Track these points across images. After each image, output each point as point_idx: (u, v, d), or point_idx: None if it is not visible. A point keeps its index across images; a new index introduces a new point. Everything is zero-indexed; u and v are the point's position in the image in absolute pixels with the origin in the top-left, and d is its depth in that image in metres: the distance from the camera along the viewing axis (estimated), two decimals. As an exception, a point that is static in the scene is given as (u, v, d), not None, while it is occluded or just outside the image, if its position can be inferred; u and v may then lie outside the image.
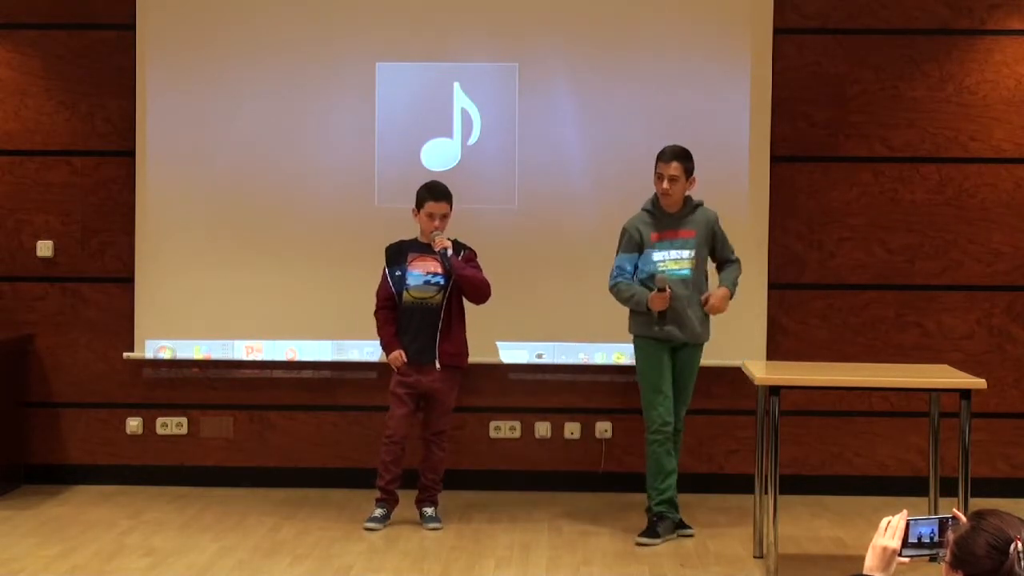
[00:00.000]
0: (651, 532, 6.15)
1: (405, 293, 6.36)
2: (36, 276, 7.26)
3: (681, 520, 6.27)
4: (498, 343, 7.10)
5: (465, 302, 6.44)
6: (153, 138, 7.12)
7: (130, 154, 7.16)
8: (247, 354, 7.17)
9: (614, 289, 6.21)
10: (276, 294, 7.11)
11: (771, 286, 7.11)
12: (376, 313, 6.47)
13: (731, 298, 6.28)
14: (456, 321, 6.41)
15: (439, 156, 7.13)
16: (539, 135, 7.10)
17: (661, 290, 6.06)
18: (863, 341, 7.16)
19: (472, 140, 7.13)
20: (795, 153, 7.14)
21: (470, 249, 6.45)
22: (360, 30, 7.12)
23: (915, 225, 7.16)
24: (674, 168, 6.13)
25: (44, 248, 7.23)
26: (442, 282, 6.34)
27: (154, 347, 7.17)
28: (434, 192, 6.40)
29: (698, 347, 6.27)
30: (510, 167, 7.11)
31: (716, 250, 6.31)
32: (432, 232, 6.34)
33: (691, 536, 6.20)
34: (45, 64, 7.22)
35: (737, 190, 7.03)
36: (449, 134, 7.13)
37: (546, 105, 7.10)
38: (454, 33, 7.12)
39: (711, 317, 6.28)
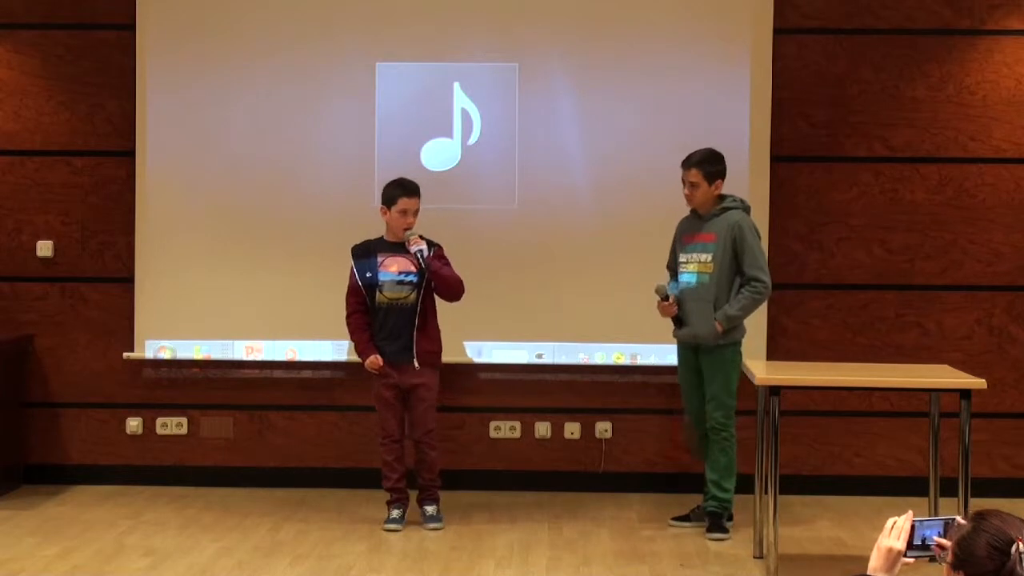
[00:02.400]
0: (683, 516, 6.44)
1: (378, 294, 6.32)
2: (36, 276, 7.25)
3: (703, 511, 6.36)
4: (512, 344, 7.10)
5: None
6: (153, 138, 7.12)
7: (130, 154, 7.16)
8: (247, 354, 7.17)
9: None
10: (276, 294, 7.11)
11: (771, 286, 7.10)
12: (348, 319, 6.41)
13: (723, 333, 6.14)
14: (431, 318, 6.39)
15: (439, 156, 7.13)
16: (539, 135, 7.10)
17: (662, 299, 6.21)
18: (863, 341, 7.16)
19: (472, 140, 7.13)
20: (795, 153, 7.14)
21: (438, 245, 6.41)
22: (360, 30, 7.12)
23: (915, 225, 7.16)
24: (693, 175, 6.21)
25: (44, 248, 7.23)
26: (415, 280, 6.31)
27: (154, 347, 7.17)
28: (407, 188, 6.35)
29: (714, 350, 6.20)
30: (510, 167, 7.11)
31: (738, 262, 6.18)
32: (405, 232, 6.31)
33: (721, 540, 6.16)
34: (45, 64, 7.22)
35: (737, 190, 7.00)
36: (449, 134, 7.13)
37: (546, 105, 7.10)
38: (454, 33, 7.12)
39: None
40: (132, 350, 7.19)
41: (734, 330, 6.21)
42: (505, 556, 5.87)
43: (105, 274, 7.25)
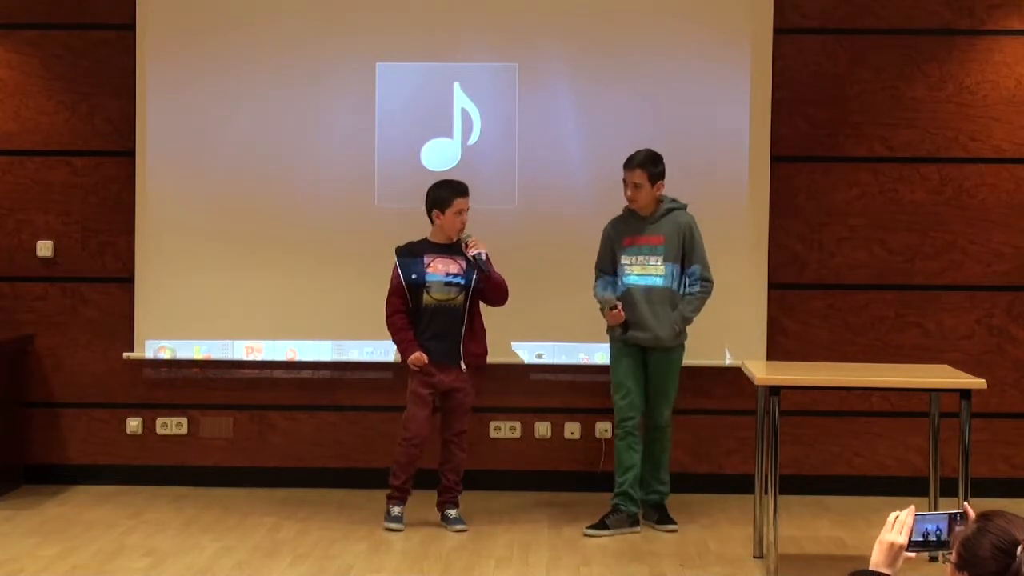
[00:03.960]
0: (600, 524, 6.27)
1: (426, 295, 6.29)
2: (36, 276, 7.25)
3: (637, 516, 6.34)
4: (514, 344, 7.11)
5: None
6: (153, 138, 7.12)
7: (130, 154, 7.16)
8: (247, 354, 7.16)
9: (595, 295, 6.43)
10: (276, 294, 7.11)
11: (771, 286, 7.10)
12: (391, 318, 6.34)
13: (678, 335, 6.26)
14: (478, 319, 6.39)
15: (439, 156, 7.12)
16: (539, 135, 7.10)
17: (611, 308, 6.24)
18: (863, 341, 7.16)
19: (472, 140, 7.13)
20: (795, 153, 7.14)
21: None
22: (360, 30, 7.12)
23: (915, 225, 7.16)
24: (638, 176, 6.24)
25: (44, 248, 7.23)
26: (463, 282, 6.30)
27: (154, 347, 7.17)
28: (460, 188, 6.34)
29: (668, 351, 6.28)
30: (510, 167, 7.11)
31: (685, 262, 6.26)
32: (463, 234, 6.29)
33: (674, 531, 6.26)
34: (45, 64, 7.22)
35: (737, 190, 7.03)
36: (449, 134, 7.13)
37: (546, 105, 7.10)
38: (454, 33, 7.12)
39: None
40: (132, 350, 7.18)
41: (684, 330, 6.32)
42: (505, 556, 5.87)
43: (105, 274, 7.24)
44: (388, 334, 6.43)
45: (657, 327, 6.22)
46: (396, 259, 6.36)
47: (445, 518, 6.35)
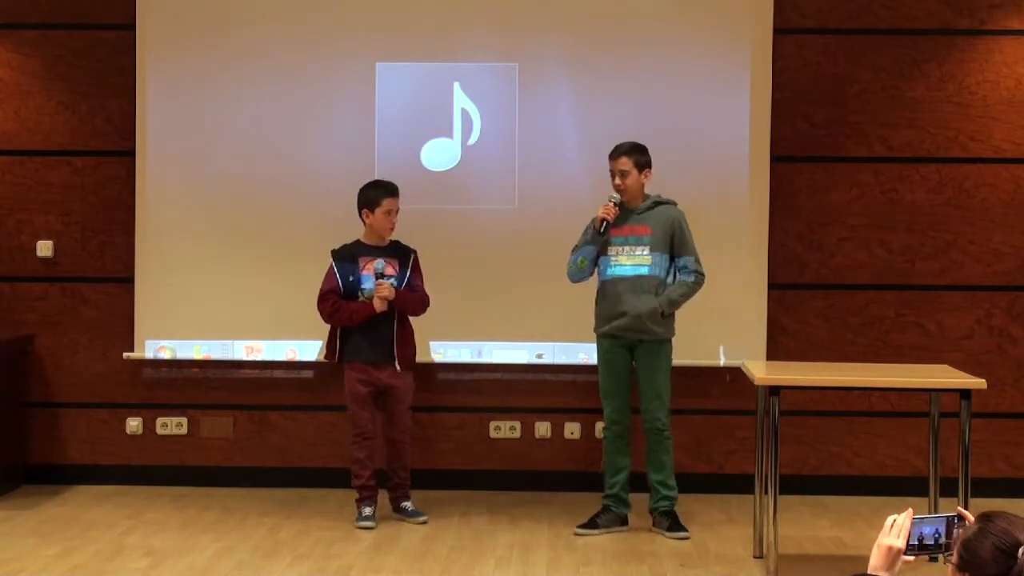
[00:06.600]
0: (590, 523, 6.32)
1: (361, 296, 6.36)
2: (36, 276, 7.25)
3: (626, 516, 6.36)
4: (513, 344, 7.11)
5: None
6: (153, 138, 7.12)
7: (130, 154, 7.16)
8: (247, 354, 7.17)
9: (568, 266, 6.36)
10: (276, 294, 7.11)
11: (771, 286, 7.11)
12: (334, 304, 6.31)
13: (664, 317, 6.21)
14: (407, 321, 6.45)
15: (439, 156, 7.12)
16: (539, 135, 7.10)
17: (616, 204, 6.21)
18: (863, 341, 7.16)
19: (472, 140, 7.13)
20: (795, 153, 7.14)
21: (413, 251, 6.48)
22: (360, 30, 7.12)
23: (915, 225, 7.16)
24: (623, 163, 6.25)
25: (44, 248, 7.23)
26: (395, 284, 6.36)
27: (154, 347, 7.17)
28: (389, 188, 6.41)
29: (656, 344, 6.24)
30: (510, 167, 7.11)
31: (675, 255, 6.26)
32: (378, 280, 6.31)
33: (686, 539, 6.19)
34: (45, 64, 7.22)
35: (737, 190, 7.03)
36: (449, 134, 7.13)
37: (546, 105, 7.10)
38: (454, 33, 7.12)
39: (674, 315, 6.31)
40: (132, 350, 7.18)
41: (671, 321, 6.26)
42: (505, 556, 5.87)
43: (105, 274, 7.25)
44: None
45: (640, 308, 6.18)
46: (332, 261, 6.41)
47: (403, 511, 6.44)
